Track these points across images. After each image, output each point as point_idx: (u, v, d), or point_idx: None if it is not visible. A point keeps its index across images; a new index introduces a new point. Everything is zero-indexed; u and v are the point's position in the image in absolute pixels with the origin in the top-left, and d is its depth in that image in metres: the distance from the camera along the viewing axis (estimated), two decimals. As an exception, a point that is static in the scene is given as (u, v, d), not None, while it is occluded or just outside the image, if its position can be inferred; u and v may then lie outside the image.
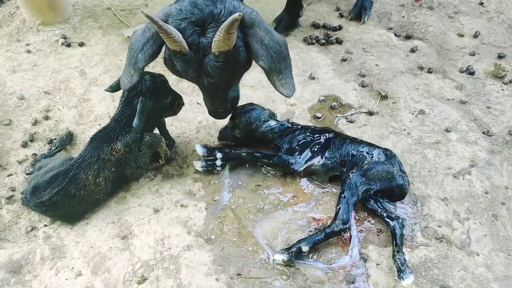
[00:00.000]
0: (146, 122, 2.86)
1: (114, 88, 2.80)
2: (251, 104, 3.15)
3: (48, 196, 2.62)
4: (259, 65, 2.30)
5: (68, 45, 4.20)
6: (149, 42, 2.30)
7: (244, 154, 3.03)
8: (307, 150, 2.98)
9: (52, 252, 2.62)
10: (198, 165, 3.02)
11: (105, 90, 2.84)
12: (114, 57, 4.08)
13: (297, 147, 3.00)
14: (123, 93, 2.77)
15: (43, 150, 3.21)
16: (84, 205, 2.77)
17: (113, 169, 2.81)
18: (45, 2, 4.27)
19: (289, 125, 3.10)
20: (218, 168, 3.04)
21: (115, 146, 2.78)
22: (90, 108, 3.57)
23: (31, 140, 3.28)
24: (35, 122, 3.42)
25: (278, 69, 2.33)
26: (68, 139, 3.27)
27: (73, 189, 2.67)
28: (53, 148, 3.16)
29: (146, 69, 2.40)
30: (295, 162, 2.95)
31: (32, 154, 3.17)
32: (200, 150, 3.06)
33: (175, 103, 2.97)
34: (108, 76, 3.87)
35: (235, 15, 1.96)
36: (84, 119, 3.48)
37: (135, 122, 2.65)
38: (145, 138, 3.00)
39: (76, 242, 2.67)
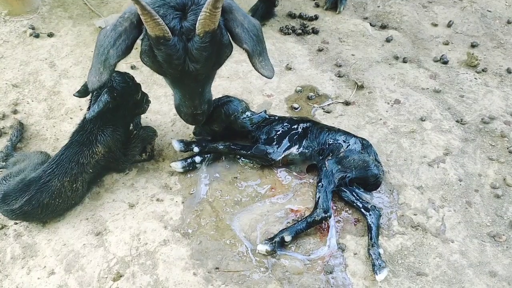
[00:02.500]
0: (122, 121, 2.85)
1: (82, 93, 2.71)
2: (227, 96, 3.10)
3: (18, 205, 2.49)
4: (243, 48, 2.30)
5: (37, 36, 4.05)
6: (122, 36, 2.19)
7: (222, 147, 2.98)
8: (285, 139, 2.97)
9: (23, 251, 2.54)
10: (179, 165, 2.93)
11: (74, 95, 2.75)
12: (85, 48, 3.96)
13: (275, 137, 2.98)
14: (93, 91, 2.66)
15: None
16: (59, 212, 2.68)
17: (91, 171, 2.74)
18: (12, -9, 4.11)
19: (267, 116, 3.08)
20: (198, 165, 2.99)
21: (96, 149, 2.71)
22: (61, 101, 3.46)
23: (0, 135, 3.16)
24: (3, 116, 3.29)
25: (259, 51, 2.38)
26: (21, 127, 3.18)
27: (46, 197, 2.55)
28: (13, 139, 3.05)
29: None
30: (273, 152, 2.93)
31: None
32: (176, 146, 2.99)
33: (143, 100, 2.93)
34: (79, 68, 3.75)
35: None
36: (55, 113, 3.37)
37: (89, 113, 2.57)
38: (139, 131, 2.97)
39: (48, 240, 2.59)
